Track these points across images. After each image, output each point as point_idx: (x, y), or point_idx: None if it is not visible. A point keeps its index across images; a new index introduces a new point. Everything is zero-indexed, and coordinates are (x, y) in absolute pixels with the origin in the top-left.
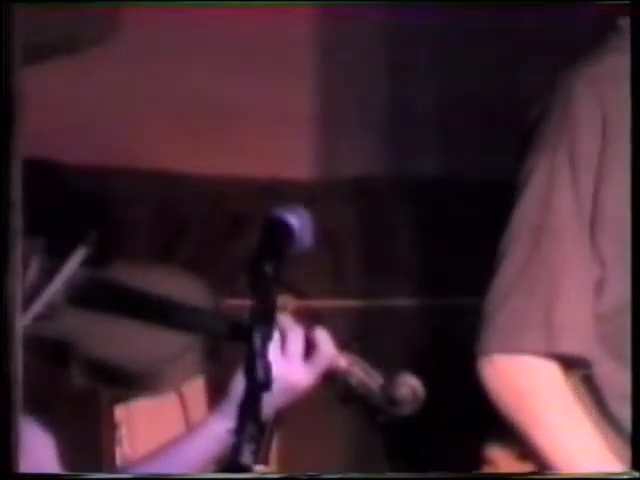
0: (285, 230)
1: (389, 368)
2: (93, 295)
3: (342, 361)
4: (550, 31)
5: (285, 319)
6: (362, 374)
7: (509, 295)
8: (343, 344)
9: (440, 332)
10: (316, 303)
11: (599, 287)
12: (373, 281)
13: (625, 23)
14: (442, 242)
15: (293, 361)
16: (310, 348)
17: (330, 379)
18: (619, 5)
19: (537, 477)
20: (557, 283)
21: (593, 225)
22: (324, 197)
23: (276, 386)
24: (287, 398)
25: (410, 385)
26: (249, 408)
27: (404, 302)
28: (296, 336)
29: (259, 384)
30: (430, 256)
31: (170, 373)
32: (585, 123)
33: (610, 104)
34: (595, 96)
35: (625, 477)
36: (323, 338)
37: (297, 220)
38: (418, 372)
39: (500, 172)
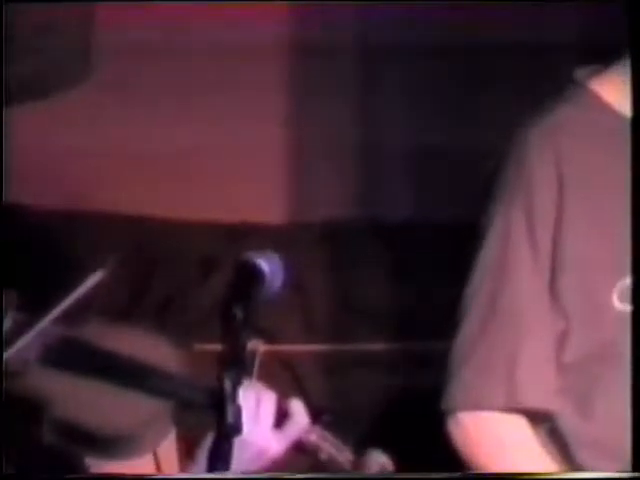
0: (255, 274)
1: (359, 443)
2: (66, 355)
3: (313, 435)
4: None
5: (260, 386)
6: (332, 450)
7: (472, 351)
8: (314, 417)
9: (410, 376)
10: (286, 347)
11: (562, 339)
12: (342, 325)
13: (582, 74)
14: (411, 286)
15: (264, 427)
16: (283, 417)
17: (300, 451)
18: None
19: (537, 477)
20: (518, 338)
21: (554, 278)
22: (293, 241)
23: (245, 450)
24: (255, 463)
25: (379, 462)
26: (220, 452)
27: (373, 346)
28: (270, 403)
29: (230, 428)
30: (399, 300)
31: (145, 437)
32: (540, 178)
33: (566, 157)
34: (550, 149)
35: (625, 477)
36: (297, 408)
37: (267, 264)
38: (387, 418)
39: (468, 216)
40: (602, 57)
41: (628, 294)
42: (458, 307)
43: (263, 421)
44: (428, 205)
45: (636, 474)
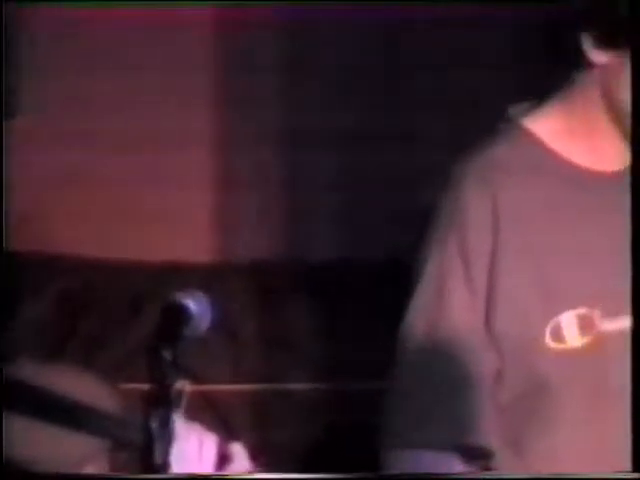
0: (183, 314)
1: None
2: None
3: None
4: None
5: (200, 428)
6: None
7: (410, 393)
8: (254, 465)
9: (338, 415)
10: (213, 387)
11: (498, 377)
12: (269, 365)
13: (516, 111)
14: (338, 325)
15: (206, 469)
16: (224, 460)
17: None
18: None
19: (537, 477)
20: (455, 374)
21: (489, 315)
22: (221, 281)
23: None
24: None
25: None
26: None
27: (300, 386)
28: (211, 445)
29: (158, 468)
30: (325, 340)
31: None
32: (475, 216)
33: (501, 195)
34: (485, 188)
35: (625, 477)
36: (239, 453)
37: (195, 304)
38: (313, 457)
39: (399, 254)
40: (537, 92)
41: (561, 332)
42: (394, 346)
43: (205, 464)
44: (356, 244)
45: (636, 474)
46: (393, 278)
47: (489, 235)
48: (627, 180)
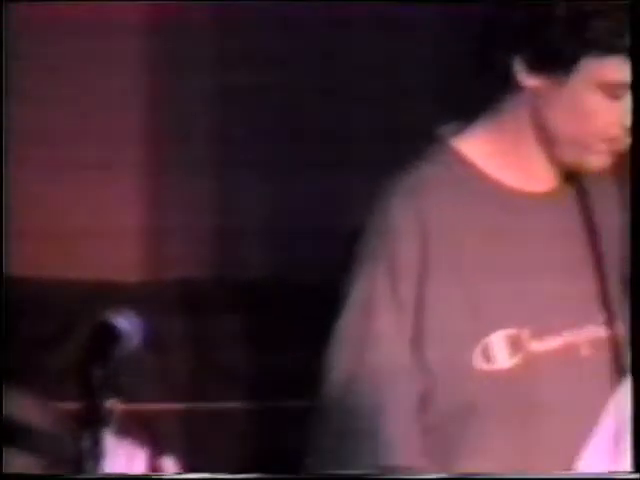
0: (113, 333)
1: None
2: None
3: None
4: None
5: (131, 444)
6: None
7: (337, 409)
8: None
9: (267, 435)
10: (144, 406)
11: (426, 397)
12: (199, 384)
13: (444, 131)
14: (268, 344)
15: None
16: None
17: None
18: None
19: (537, 477)
20: (381, 396)
21: (417, 336)
22: (151, 300)
23: None
24: None
25: None
26: None
27: (230, 405)
28: (141, 461)
29: None
30: (255, 358)
31: None
32: (403, 235)
33: (430, 217)
34: (413, 207)
35: (625, 477)
36: (169, 466)
37: (125, 323)
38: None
39: (327, 276)
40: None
41: (490, 353)
42: (319, 368)
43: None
44: (287, 262)
45: (636, 474)
46: (323, 296)
47: (417, 256)
48: (555, 200)
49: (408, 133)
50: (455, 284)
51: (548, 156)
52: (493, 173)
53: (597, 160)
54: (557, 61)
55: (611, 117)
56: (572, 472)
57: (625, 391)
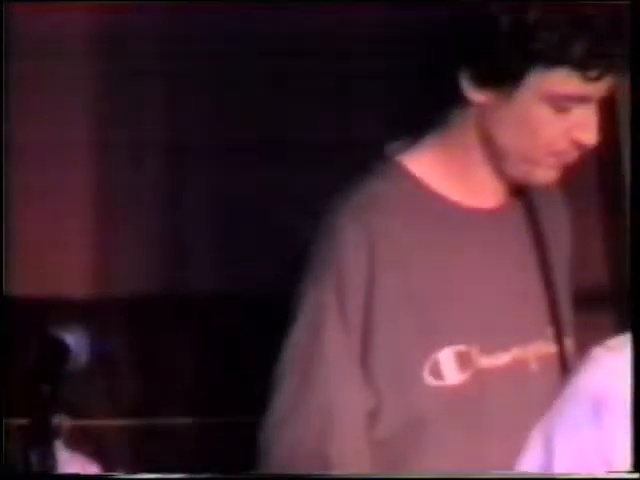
0: (61, 349)
1: None
2: None
3: None
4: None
5: (84, 458)
6: None
7: (284, 429)
8: None
9: (218, 451)
10: (93, 422)
11: (374, 415)
12: (149, 399)
13: (392, 149)
14: (217, 360)
15: None
16: None
17: None
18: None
19: (537, 477)
20: (330, 416)
21: (366, 352)
22: (100, 315)
23: None
24: None
25: None
26: None
27: (181, 421)
28: (92, 473)
29: None
30: (204, 374)
31: None
32: (351, 252)
33: (377, 234)
34: (361, 227)
35: (625, 477)
36: None
37: (73, 339)
38: None
39: (278, 291)
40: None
41: (439, 369)
42: (268, 384)
43: None
44: (236, 278)
45: (636, 474)
46: (273, 312)
47: (365, 272)
48: (503, 216)
49: (356, 149)
50: (403, 301)
51: (496, 171)
52: (441, 189)
53: (545, 174)
54: (503, 75)
55: (559, 130)
56: (570, 472)
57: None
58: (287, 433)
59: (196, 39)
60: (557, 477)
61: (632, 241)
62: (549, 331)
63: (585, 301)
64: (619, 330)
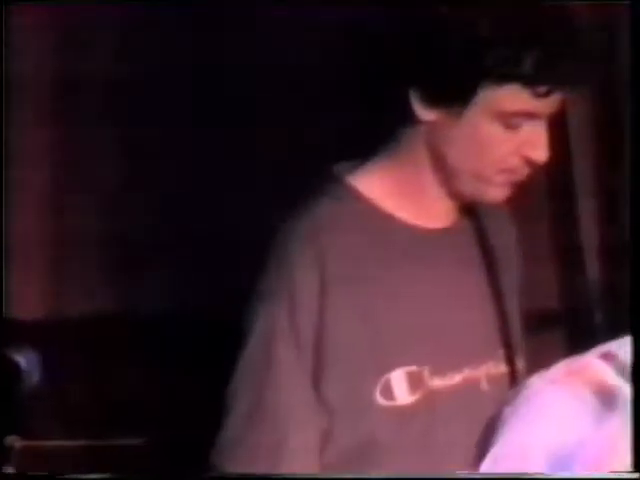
0: (12, 370)
1: None
2: None
3: None
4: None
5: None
6: None
7: (236, 448)
8: None
9: (172, 470)
10: (44, 443)
11: (326, 437)
12: (100, 420)
13: (341, 169)
14: (170, 379)
15: None
16: None
17: None
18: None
19: (537, 477)
20: (282, 436)
21: (318, 373)
22: (51, 336)
23: None
24: None
25: None
26: None
27: (131, 441)
28: None
29: None
30: (160, 394)
31: None
32: (302, 277)
33: (328, 254)
34: (312, 248)
35: (625, 477)
36: None
37: (24, 360)
38: None
39: (230, 306)
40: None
41: (391, 390)
42: (221, 404)
43: None
44: (189, 297)
45: (636, 474)
46: (227, 330)
47: (317, 293)
48: (454, 235)
49: (307, 169)
50: (355, 322)
51: (446, 190)
52: (391, 209)
53: (496, 192)
54: (453, 93)
55: (509, 147)
56: (571, 472)
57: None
58: (240, 453)
59: None
60: (557, 477)
61: (632, 242)
62: (500, 351)
63: (536, 321)
64: (569, 350)
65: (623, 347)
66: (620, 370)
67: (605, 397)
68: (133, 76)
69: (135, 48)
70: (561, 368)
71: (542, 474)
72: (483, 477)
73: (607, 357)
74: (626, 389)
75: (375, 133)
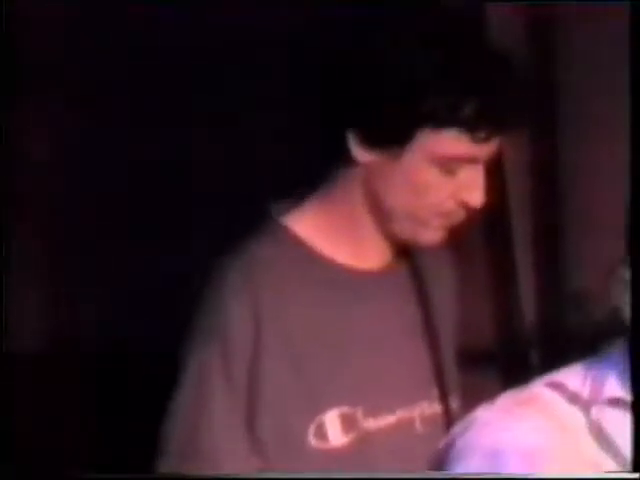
0: None
1: None
2: None
3: None
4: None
5: None
6: None
7: None
8: None
9: None
10: None
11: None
12: (48, 457)
13: (276, 210)
14: (108, 417)
15: None
16: None
17: None
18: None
19: (536, 477)
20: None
21: (251, 415)
22: None
23: None
24: None
25: None
26: None
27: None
28: None
29: None
30: (96, 431)
31: None
32: (236, 315)
33: (262, 294)
34: (246, 287)
35: (625, 477)
36: None
37: None
38: None
39: (166, 345)
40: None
41: (324, 431)
42: (157, 443)
43: None
44: (126, 336)
45: (636, 474)
46: (162, 369)
47: (250, 335)
48: (389, 276)
49: (243, 208)
50: (289, 363)
51: (382, 231)
52: (326, 251)
53: (432, 235)
54: (391, 136)
55: (446, 191)
56: (571, 473)
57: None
58: None
59: None
60: (557, 477)
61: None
62: (434, 391)
63: (471, 360)
64: (504, 388)
65: (570, 376)
66: (570, 398)
67: (558, 425)
68: None
69: None
70: (508, 398)
71: (542, 474)
72: (482, 477)
73: (555, 386)
74: (579, 417)
75: (312, 173)
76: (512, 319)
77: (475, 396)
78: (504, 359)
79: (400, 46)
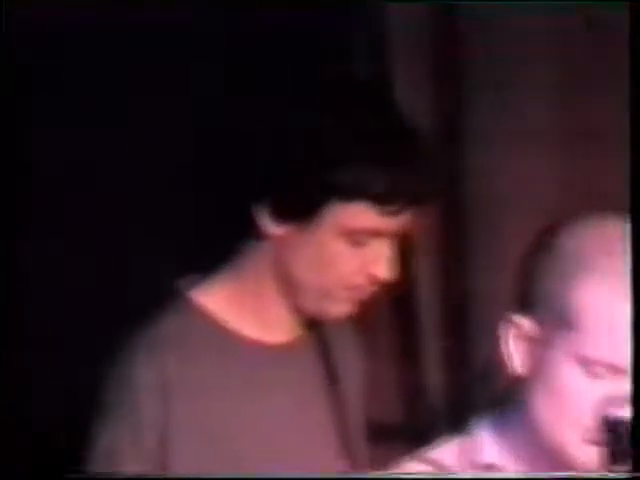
0: None
1: None
2: None
3: None
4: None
5: None
6: None
7: None
8: None
9: None
10: None
11: None
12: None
13: (183, 284)
14: None
15: None
16: None
17: None
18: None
19: (536, 477)
20: None
21: None
22: None
23: None
24: None
25: None
26: None
27: None
28: None
29: None
30: None
31: None
32: (145, 390)
33: (171, 368)
34: (155, 362)
35: (625, 477)
36: None
37: None
38: None
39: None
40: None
41: None
42: None
43: None
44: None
45: (636, 474)
46: (70, 444)
47: (160, 409)
48: (296, 350)
49: (151, 282)
50: (199, 437)
51: (290, 305)
52: (233, 325)
53: (339, 308)
54: (298, 209)
55: (354, 265)
56: (571, 472)
57: None
58: None
59: None
60: (556, 477)
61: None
62: (341, 464)
63: (378, 431)
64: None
65: (444, 451)
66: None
67: None
68: None
69: None
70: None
71: (541, 474)
72: (481, 477)
73: (429, 462)
74: None
75: (220, 246)
76: (419, 391)
77: (382, 468)
78: (411, 430)
79: (304, 116)
